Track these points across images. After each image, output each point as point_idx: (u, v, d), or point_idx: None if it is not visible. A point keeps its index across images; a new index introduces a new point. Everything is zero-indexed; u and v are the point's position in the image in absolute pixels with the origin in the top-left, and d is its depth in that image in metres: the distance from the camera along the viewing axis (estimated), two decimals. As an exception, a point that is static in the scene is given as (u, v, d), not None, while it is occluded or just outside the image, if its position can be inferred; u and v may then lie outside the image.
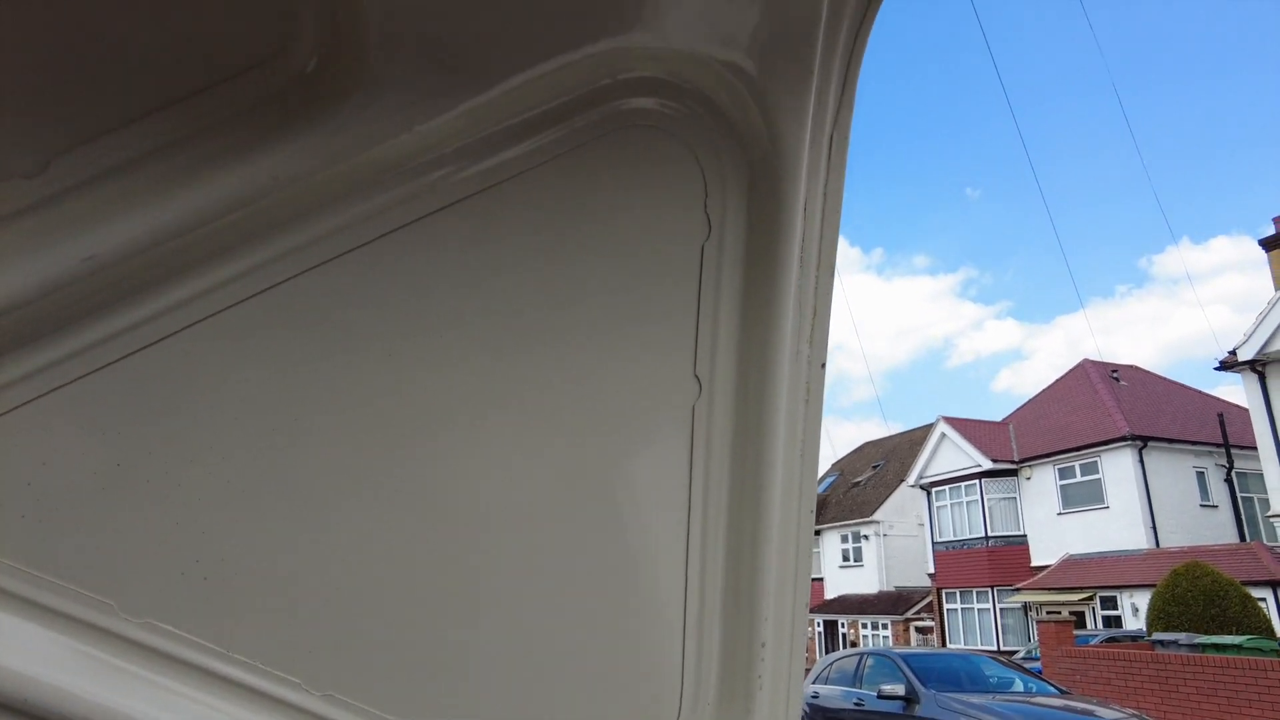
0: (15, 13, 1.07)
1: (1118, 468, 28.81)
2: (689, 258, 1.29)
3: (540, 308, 1.26)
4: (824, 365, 1.36)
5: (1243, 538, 27.60)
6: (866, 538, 42.55)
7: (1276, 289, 23.56)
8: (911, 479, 36.63)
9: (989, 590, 32.00)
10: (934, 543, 35.07)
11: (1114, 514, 28.67)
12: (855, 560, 43.01)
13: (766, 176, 1.25)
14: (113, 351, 1.15)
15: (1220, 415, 29.58)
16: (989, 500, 32.66)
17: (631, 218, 1.27)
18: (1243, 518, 28.46)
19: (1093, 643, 20.48)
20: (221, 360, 1.17)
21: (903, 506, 41.53)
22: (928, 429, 37.84)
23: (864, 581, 42.30)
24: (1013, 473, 32.40)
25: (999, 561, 31.86)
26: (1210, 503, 28.92)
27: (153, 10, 1.09)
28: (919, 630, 36.85)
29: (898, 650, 15.01)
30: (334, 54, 1.09)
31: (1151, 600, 20.09)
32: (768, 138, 1.22)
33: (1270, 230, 24.69)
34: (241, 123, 1.12)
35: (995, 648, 29.07)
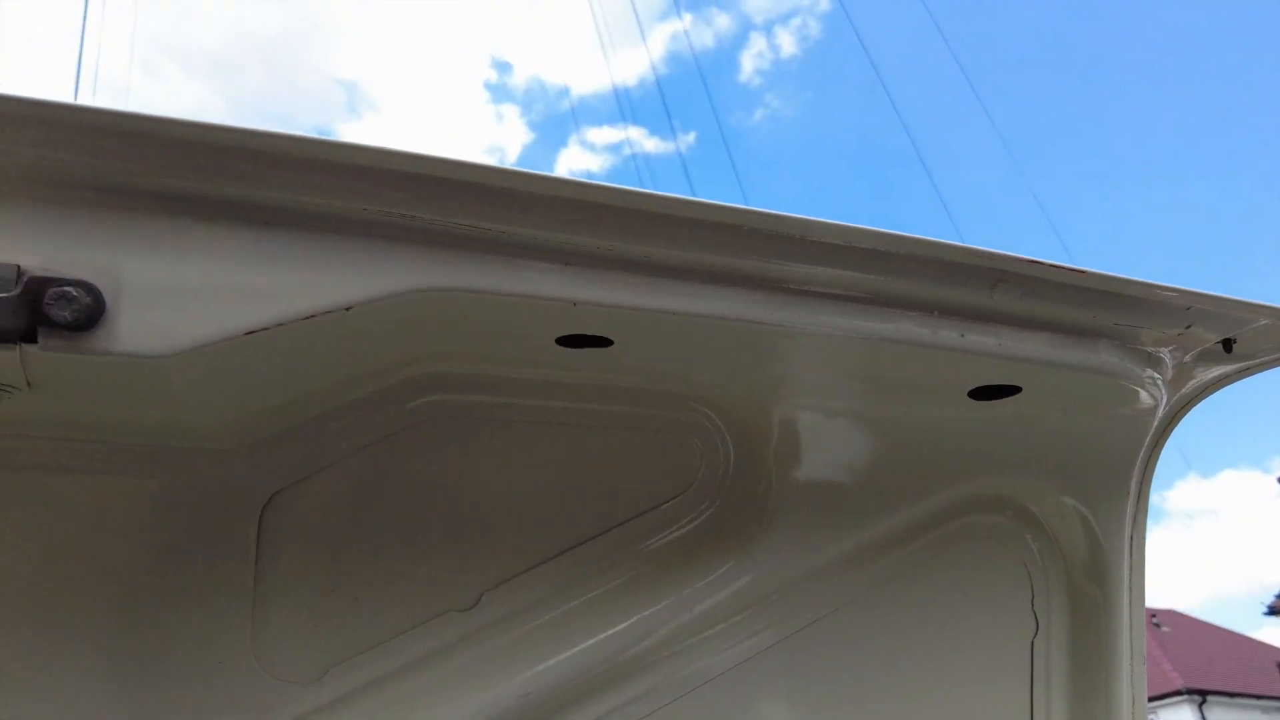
0: (457, 458, 1.27)
1: (1181, 727, 26.61)
2: (1020, 654, 1.40)
3: (889, 702, 1.36)
4: (1148, 753, 1.42)
5: (1338, 808, 24.83)
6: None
7: (1306, 528, 23.16)
8: (958, 745, 33.64)
9: None
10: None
11: (1188, 782, 26.04)
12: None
13: (1087, 578, 1.40)
14: None
15: (1279, 664, 27.86)
16: (1047, 769, 29.74)
17: (966, 618, 1.40)
18: (1332, 784, 25.79)
19: None
20: None
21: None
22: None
23: None
24: (1066, 735, 29.85)
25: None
26: (1292, 767, 26.40)
27: (576, 456, 1.29)
28: None
29: None
30: (736, 500, 1.28)
31: None
32: (1087, 549, 1.38)
33: (1285, 469, 24.84)
34: (653, 557, 1.28)
35: None
